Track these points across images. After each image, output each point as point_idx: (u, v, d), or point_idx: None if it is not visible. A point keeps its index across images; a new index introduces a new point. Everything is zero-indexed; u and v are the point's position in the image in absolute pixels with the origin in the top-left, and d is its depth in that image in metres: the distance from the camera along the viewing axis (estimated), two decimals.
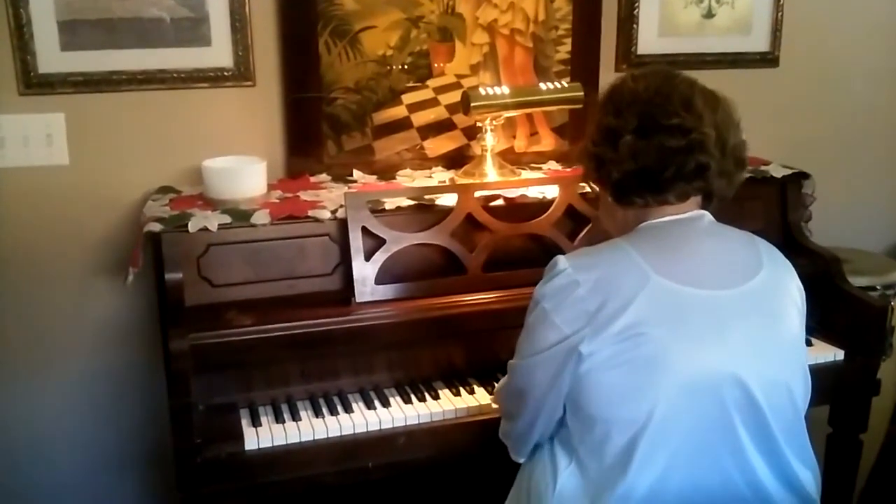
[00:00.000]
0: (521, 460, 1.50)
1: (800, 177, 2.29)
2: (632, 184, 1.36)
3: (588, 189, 1.56)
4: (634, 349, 1.26)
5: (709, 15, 2.56)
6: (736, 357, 1.29)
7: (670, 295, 1.28)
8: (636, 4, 2.46)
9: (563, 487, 1.35)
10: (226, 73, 2.15)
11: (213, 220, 1.82)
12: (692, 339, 1.27)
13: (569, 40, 2.36)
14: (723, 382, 1.27)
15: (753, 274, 1.34)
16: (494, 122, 2.16)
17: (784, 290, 1.38)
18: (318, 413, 1.77)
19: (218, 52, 2.13)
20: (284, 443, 1.69)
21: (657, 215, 1.38)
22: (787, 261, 1.43)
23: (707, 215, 1.40)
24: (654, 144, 1.32)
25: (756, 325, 1.32)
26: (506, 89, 2.15)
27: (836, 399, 2.16)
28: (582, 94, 2.17)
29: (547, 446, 1.42)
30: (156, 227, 1.80)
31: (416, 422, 1.77)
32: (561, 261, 1.34)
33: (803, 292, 1.42)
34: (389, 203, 1.94)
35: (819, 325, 2.12)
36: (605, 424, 1.29)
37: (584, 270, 1.30)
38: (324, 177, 2.20)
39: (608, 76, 2.38)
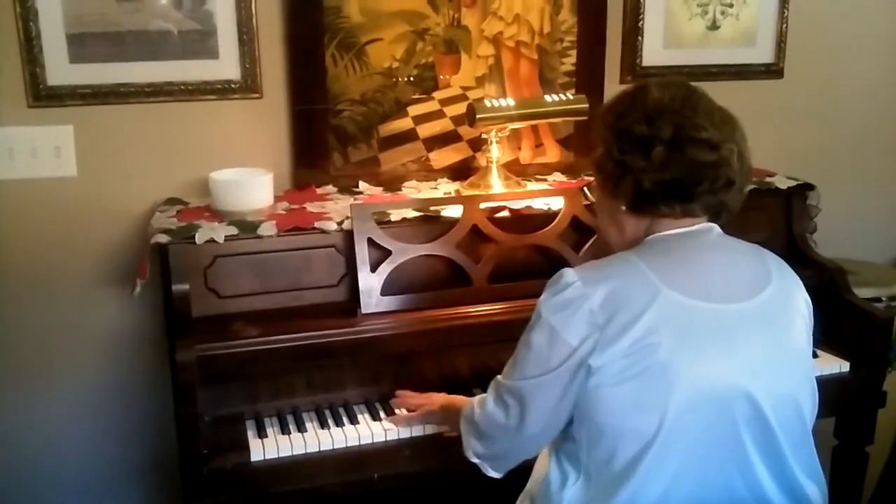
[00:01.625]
0: (499, 476, 1.47)
1: (805, 188, 2.29)
2: (661, 193, 1.34)
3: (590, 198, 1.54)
4: (644, 362, 1.25)
5: (713, 27, 2.57)
6: (745, 371, 1.28)
7: (680, 309, 1.27)
8: (641, 16, 2.47)
9: (570, 499, 1.35)
10: (233, 86, 2.16)
11: (219, 232, 1.83)
12: (702, 353, 1.27)
13: (574, 52, 2.37)
14: (732, 397, 1.27)
15: (762, 287, 1.34)
16: (500, 134, 2.17)
17: (792, 304, 1.38)
18: (323, 424, 1.77)
19: (225, 65, 2.15)
20: (290, 454, 1.69)
21: (668, 227, 1.36)
22: (794, 274, 1.42)
23: (715, 228, 1.39)
24: (687, 157, 1.31)
25: (765, 339, 1.31)
26: (511, 101, 2.16)
27: (842, 411, 2.15)
28: (587, 105, 2.18)
29: (554, 459, 1.41)
30: (163, 238, 1.81)
31: (422, 433, 1.77)
32: (568, 273, 1.32)
33: (811, 305, 1.41)
34: (395, 214, 1.95)
35: (824, 337, 2.12)
36: (612, 438, 1.28)
37: (594, 284, 1.29)
38: (330, 188, 2.21)
39: (613, 88, 2.39)
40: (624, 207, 1.39)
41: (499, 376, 1.42)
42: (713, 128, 1.32)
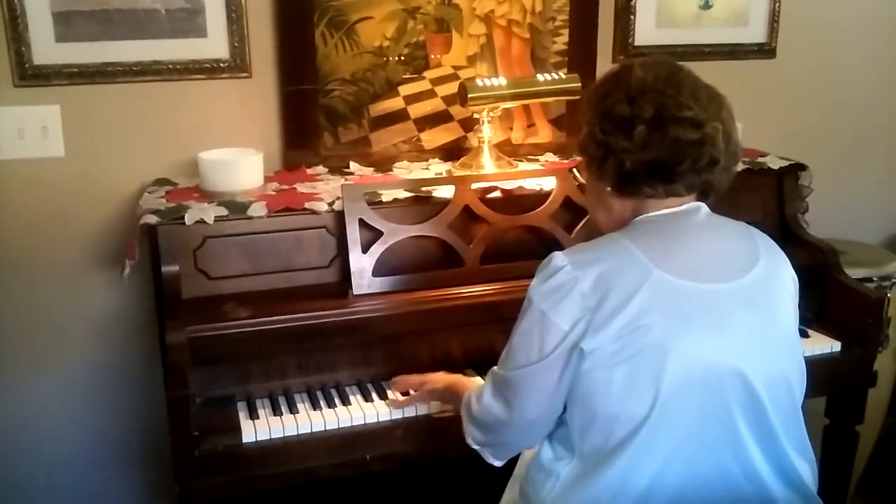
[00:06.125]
0: (500, 464, 1.47)
1: (797, 168, 2.29)
2: (644, 174, 1.33)
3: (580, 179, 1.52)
4: (636, 344, 1.24)
5: (706, 6, 2.55)
6: (737, 351, 1.28)
7: (671, 289, 1.27)
8: None
9: (562, 482, 1.35)
10: (222, 65, 2.14)
11: (209, 213, 1.82)
12: (693, 334, 1.27)
13: (566, 31, 2.36)
14: (724, 376, 1.27)
15: (751, 266, 1.34)
16: (491, 114, 2.16)
17: (780, 282, 1.38)
18: (315, 406, 1.77)
19: (214, 44, 2.12)
20: (282, 435, 1.69)
21: (655, 208, 1.36)
22: (781, 251, 1.42)
23: (703, 207, 1.39)
24: (669, 136, 1.30)
25: (756, 318, 1.32)
26: (503, 81, 2.14)
27: (833, 391, 2.16)
28: (579, 85, 2.17)
29: (546, 442, 1.41)
30: (152, 219, 1.79)
31: (414, 414, 1.76)
32: (558, 257, 1.32)
33: (797, 281, 1.41)
34: (386, 195, 1.94)
35: (816, 317, 2.12)
36: (606, 421, 1.28)
37: (584, 266, 1.28)
38: (320, 169, 2.20)
39: (605, 67, 2.34)
40: (609, 188, 1.38)
41: (495, 367, 1.41)
42: (697, 106, 1.31)
